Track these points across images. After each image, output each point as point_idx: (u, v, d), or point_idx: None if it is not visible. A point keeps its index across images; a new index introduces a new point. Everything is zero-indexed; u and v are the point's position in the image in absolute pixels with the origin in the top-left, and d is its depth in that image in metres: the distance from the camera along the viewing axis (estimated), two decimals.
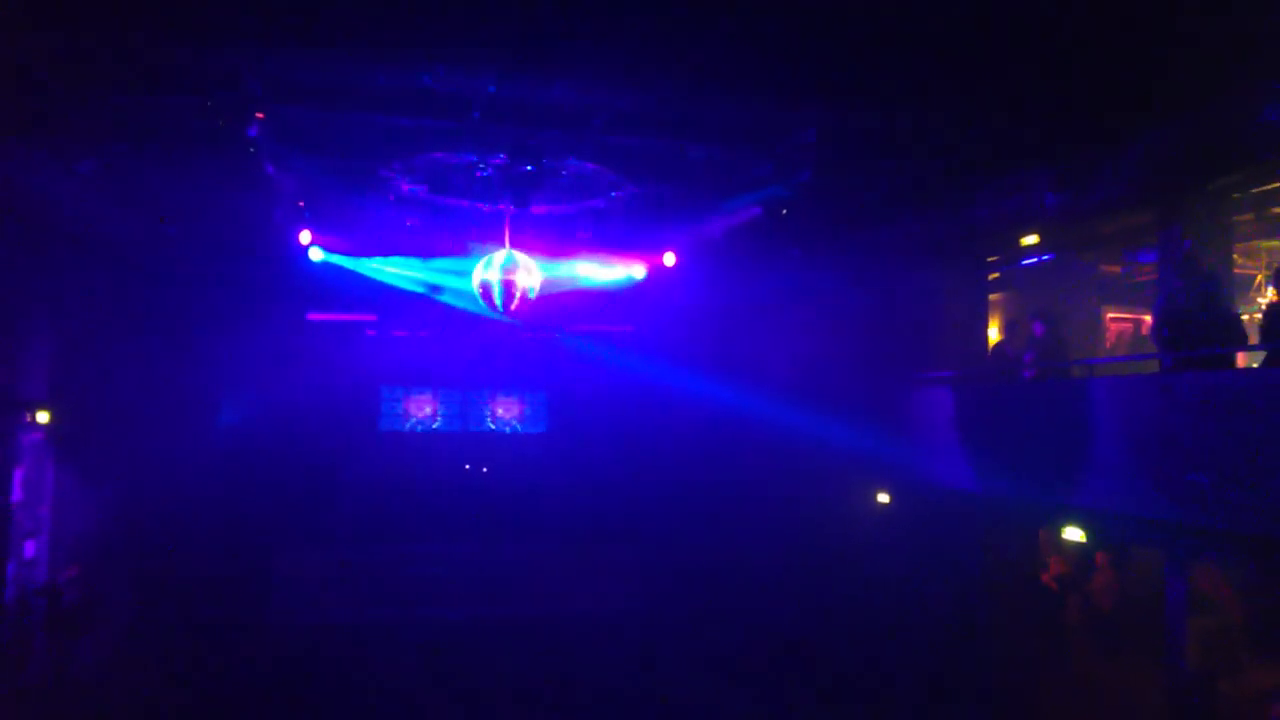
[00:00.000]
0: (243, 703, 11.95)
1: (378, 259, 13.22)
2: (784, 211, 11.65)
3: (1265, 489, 6.66)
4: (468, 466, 16.88)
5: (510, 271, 11.15)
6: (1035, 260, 13.84)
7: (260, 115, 9.26)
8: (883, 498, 12.85)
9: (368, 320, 16.24)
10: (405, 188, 12.05)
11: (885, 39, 7.80)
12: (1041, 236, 11.93)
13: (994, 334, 14.21)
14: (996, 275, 14.28)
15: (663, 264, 13.61)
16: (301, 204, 11.88)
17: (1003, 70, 8.26)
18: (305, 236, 12.29)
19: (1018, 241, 12.24)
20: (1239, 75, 7.58)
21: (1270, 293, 9.71)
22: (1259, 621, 9.00)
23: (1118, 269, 14.07)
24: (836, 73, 8.49)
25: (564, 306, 14.35)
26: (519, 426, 17.23)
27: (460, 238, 12.78)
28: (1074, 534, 9.62)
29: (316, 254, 12.54)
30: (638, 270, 13.69)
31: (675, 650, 13.80)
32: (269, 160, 10.14)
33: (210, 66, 8.13)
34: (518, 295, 11.15)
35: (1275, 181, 9.54)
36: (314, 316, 15.80)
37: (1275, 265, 10.81)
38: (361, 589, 15.34)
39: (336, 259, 12.87)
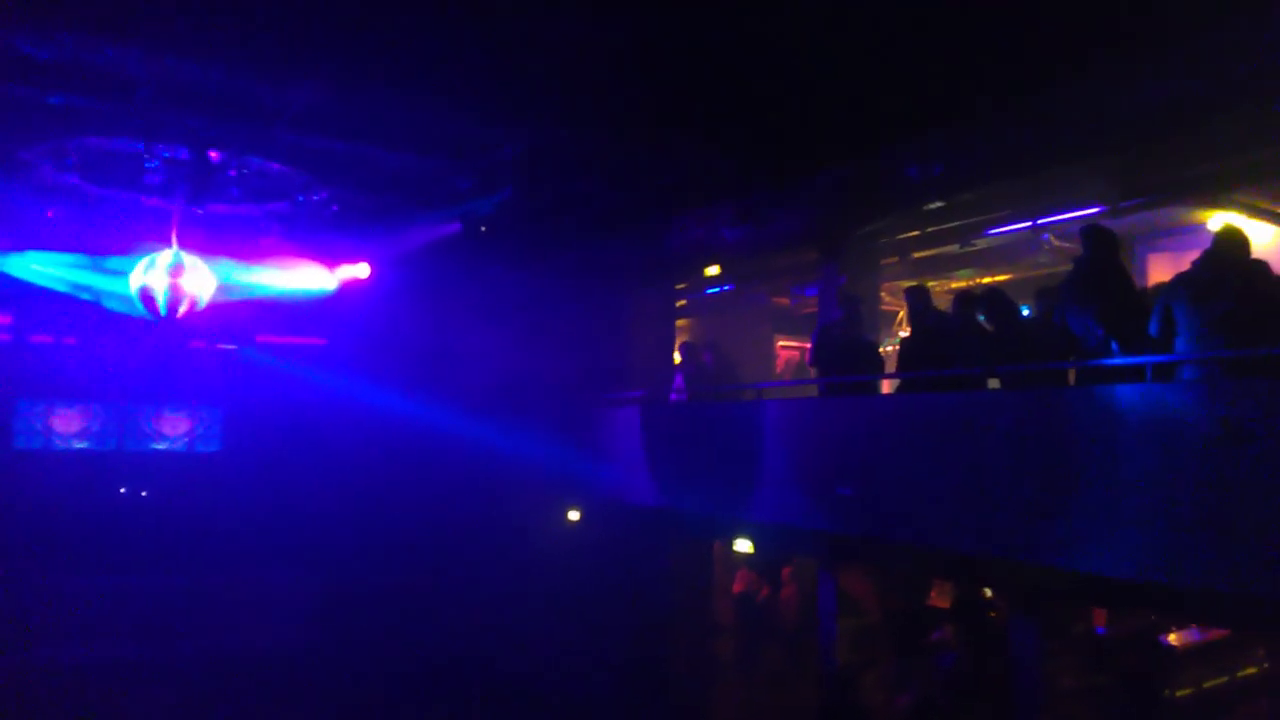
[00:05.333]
0: None
1: (15, 254, 11.51)
2: (483, 228, 11.60)
3: (894, 499, 7.52)
4: (124, 490, 15.06)
5: (176, 274, 10.11)
6: (718, 290, 14.87)
7: None
8: (573, 515, 13.07)
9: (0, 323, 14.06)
10: (54, 174, 10.61)
11: (584, 66, 7.99)
12: (723, 267, 12.87)
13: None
14: (684, 302, 15.16)
15: (357, 275, 13.06)
16: None
17: (694, 111, 8.76)
18: None
19: (703, 271, 13.11)
20: (889, 134, 8.58)
21: (907, 328, 11.04)
22: (893, 619, 10.10)
23: (787, 301, 15.41)
24: (537, 94, 8.57)
25: (245, 316, 13.30)
26: (188, 445, 15.67)
27: (122, 235, 11.46)
28: (744, 545, 10.33)
29: None
30: (329, 280, 13.01)
31: (350, 680, 13.04)
32: None
33: None
34: (186, 301, 10.14)
35: (914, 230, 10.93)
36: None
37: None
38: None
39: None
